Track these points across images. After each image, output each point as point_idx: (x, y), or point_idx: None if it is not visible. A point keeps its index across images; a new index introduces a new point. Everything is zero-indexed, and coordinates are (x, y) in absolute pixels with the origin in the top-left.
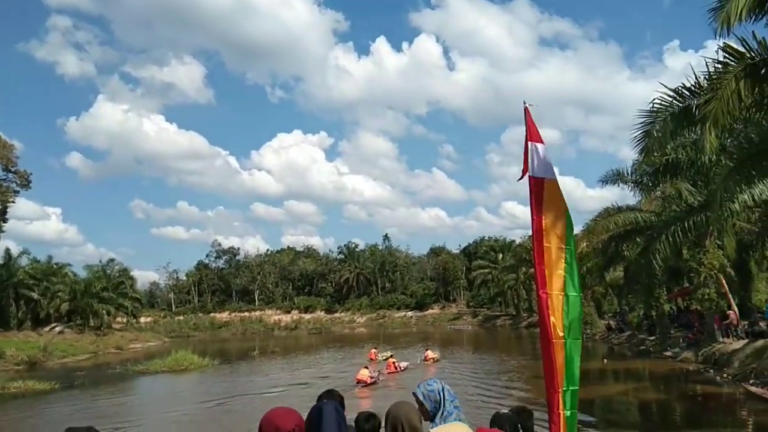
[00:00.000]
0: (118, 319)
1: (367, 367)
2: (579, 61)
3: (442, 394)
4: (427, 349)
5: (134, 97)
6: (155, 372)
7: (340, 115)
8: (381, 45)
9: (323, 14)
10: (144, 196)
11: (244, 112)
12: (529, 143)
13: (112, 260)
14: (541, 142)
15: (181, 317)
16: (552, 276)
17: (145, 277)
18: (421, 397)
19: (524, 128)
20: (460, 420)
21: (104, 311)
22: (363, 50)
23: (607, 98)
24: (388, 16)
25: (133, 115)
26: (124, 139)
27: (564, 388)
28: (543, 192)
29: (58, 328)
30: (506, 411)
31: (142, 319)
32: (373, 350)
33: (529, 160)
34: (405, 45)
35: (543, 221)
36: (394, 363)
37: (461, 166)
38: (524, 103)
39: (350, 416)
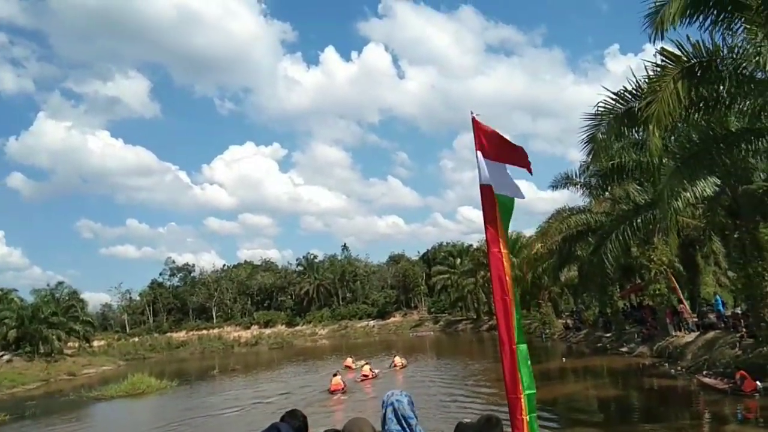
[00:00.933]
0: (70, 344)
1: (336, 374)
2: (525, 67)
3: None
4: (395, 356)
5: (77, 114)
6: (111, 397)
7: (292, 126)
8: (330, 54)
9: (270, 25)
10: (91, 215)
11: (193, 125)
12: (478, 152)
13: (60, 283)
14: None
15: (137, 339)
16: (507, 281)
17: (96, 299)
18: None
19: (489, 127)
20: None
21: (54, 337)
22: (312, 60)
23: (553, 102)
24: (336, 26)
25: (76, 132)
26: (68, 156)
27: (523, 393)
28: (492, 199)
29: (5, 357)
30: (469, 420)
31: (95, 343)
32: (350, 359)
33: (480, 169)
34: (354, 54)
35: (494, 228)
36: (370, 369)
37: (416, 173)
38: (471, 113)
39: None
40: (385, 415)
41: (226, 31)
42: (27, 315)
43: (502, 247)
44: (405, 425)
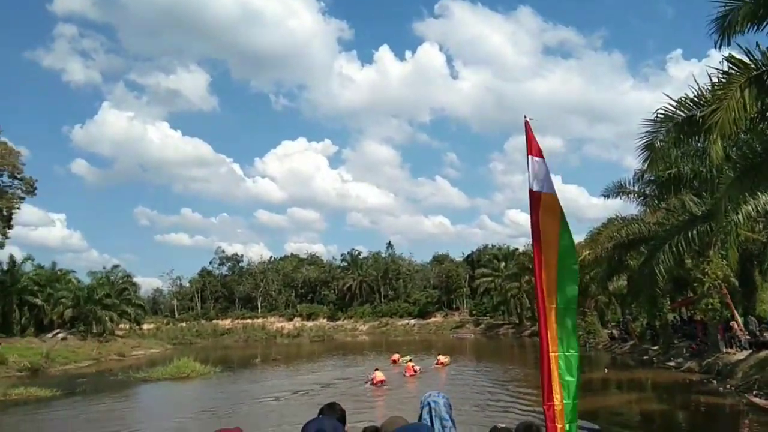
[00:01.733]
0: (121, 325)
1: (378, 369)
2: (583, 70)
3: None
4: (438, 354)
5: (139, 105)
6: (157, 379)
7: (344, 123)
8: (384, 53)
9: (328, 23)
10: (148, 203)
11: (248, 119)
12: (529, 157)
13: (115, 267)
14: (541, 156)
15: (184, 324)
16: (550, 288)
17: (148, 283)
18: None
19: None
20: None
21: (107, 318)
22: (366, 59)
23: (611, 107)
24: (392, 25)
25: (137, 122)
26: (129, 146)
27: (559, 402)
28: (541, 205)
29: (61, 335)
30: (504, 426)
31: (145, 326)
32: (396, 354)
33: (530, 174)
34: (408, 53)
35: (541, 234)
36: (412, 366)
37: (465, 174)
38: (525, 117)
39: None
40: (421, 414)
41: (285, 28)
42: (83, 296)
43: (545, 253)
44: (440, 426)
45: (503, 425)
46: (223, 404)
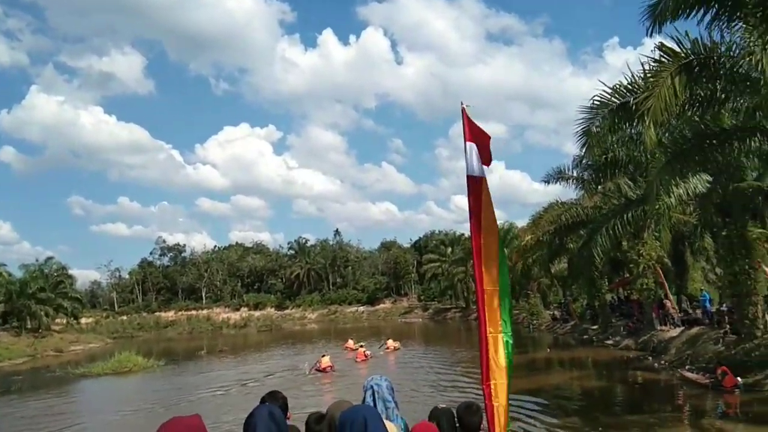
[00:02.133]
0: (58, 320)
1: (325, 355)
2: (524, 57)
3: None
4: (388, 339)
5: (70, 88)
6: (97, 375)
7: (288, 108)
8: (328, 37)
9: (269, 5)
10: (82, 192)
11: (188, 104)
12: (467, 143)
13: (49, 259)
14: (483, 141)
15: (125, 317)
16: (490, 272)
17: (85, 276)
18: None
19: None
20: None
21: (42, 312)
22: (310, 42)
23: (551, 93)
24: (335, 9)
25: (68, 106)
26: (60, 131)
27: (494, 381)
28: (481, 190)
29: None
30: (444, 406)
31: (83, 320)
32: (350, 341)
33: (467, 160)
34: (352, 38)
35: (480, 218)
36: (363, 352)
37: (411, 160)
38: (462, 103)
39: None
40: (364, 397)
41: (223, 8)
42: (15, 290)
43: (484, 237)
44: (383, 407)
45: (444, 405)
46: (167, 397)
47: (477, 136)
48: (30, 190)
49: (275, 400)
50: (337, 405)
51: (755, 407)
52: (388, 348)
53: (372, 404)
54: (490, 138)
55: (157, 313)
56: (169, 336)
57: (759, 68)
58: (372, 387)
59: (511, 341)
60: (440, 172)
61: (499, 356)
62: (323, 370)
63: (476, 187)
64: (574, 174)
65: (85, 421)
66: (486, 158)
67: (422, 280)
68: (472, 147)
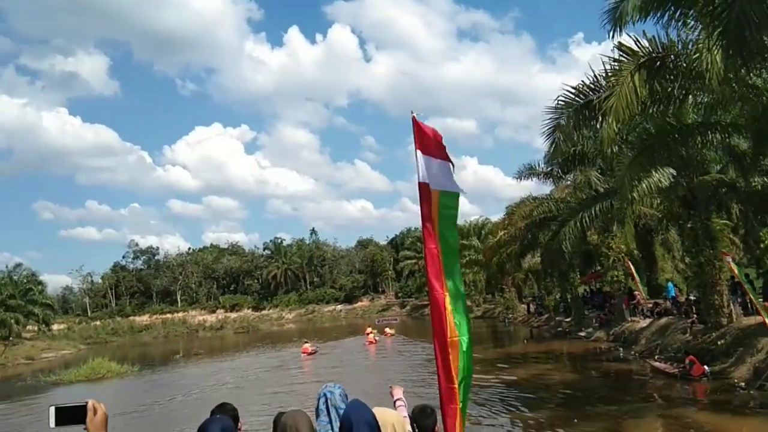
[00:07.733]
0: (28, 327)
1: (307, 342)
2: (495, 53)
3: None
4: (386, 326)
5: (33, 90)
6: (70, 382)
7: (257, 108)
8: (294, 35)
9: (236, 3)
10: (50, 196)
11: (155, 105)
12: (417, 152)
13: (18, 265)
14: (437, 151)
15: (98, 322)
16: (442, 276)
17: (56, 281)
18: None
19: (428, 126)
20: None
21: (12, 320)
22: (276, 41)
23: (521, 89)
24: (301, 6)
25: (31, 109)
26: (24, 135)
27: (458, 383)
28: (430, 197)
29: None
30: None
31: (55, 327)
32: (307, 344)
33: (418, 168)
34: (319, 36)
35: (431, 225)
36: (373, 337)
37: (384, 157)
38: (411, 112)
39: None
40: (318, 405)
41: (189, 7)
42: None
43: (436, 243)
44: (335, 416)
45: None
46: (142, 402)
47: (428, 141)
48: None
49: (225, 412)
50: (291, 415)
51: (721, 395)
52: (386, 335)
53: (325, 411)
54: (441, 137)
55: (131, 318)
56: (144, 340)
57: (705, 66)
58: (325, 394)
59: (469, 343)
60: (414, 168)
61: (458, 359)
62: (308, 354)
63: (428, 194)
64: (545, 169)
65: (59, 429)
66: (444, 155)
67: (399, 277)
68: (421, 156)
